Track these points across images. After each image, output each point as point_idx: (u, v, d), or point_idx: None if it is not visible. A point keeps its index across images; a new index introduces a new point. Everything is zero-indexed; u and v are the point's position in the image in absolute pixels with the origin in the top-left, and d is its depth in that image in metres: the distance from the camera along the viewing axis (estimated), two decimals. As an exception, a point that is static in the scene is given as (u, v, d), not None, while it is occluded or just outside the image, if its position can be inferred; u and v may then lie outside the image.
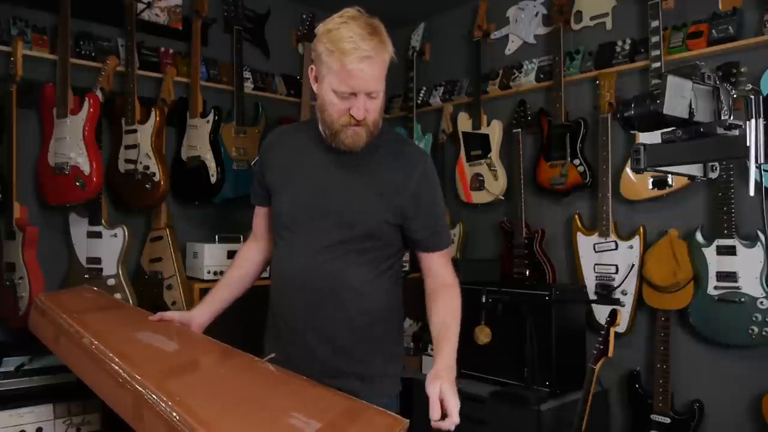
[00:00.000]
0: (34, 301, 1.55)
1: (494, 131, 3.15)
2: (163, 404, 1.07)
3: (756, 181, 0.87)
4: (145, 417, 1.10)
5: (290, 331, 1.48)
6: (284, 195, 1.49)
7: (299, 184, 1.47)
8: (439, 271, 1.50)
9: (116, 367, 1.20)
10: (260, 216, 1.65)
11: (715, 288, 2.33)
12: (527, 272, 2.95)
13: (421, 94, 3.61)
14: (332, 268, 1.42)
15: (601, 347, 2.17)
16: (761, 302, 2.23)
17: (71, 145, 2.44)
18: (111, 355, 1.23)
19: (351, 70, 1.28)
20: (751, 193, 0.90)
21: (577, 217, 2.83)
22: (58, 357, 1.42)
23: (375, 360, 1.48)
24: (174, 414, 1.04)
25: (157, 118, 2.64)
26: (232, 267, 1.70)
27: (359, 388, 1.41)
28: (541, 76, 3.01)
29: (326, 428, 1.14)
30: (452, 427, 1.20)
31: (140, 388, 1.13)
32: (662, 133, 0.99)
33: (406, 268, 2.68)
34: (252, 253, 1.69)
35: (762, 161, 0.85)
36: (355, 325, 1.44)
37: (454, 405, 1.20)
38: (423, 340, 3.01)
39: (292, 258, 1.47)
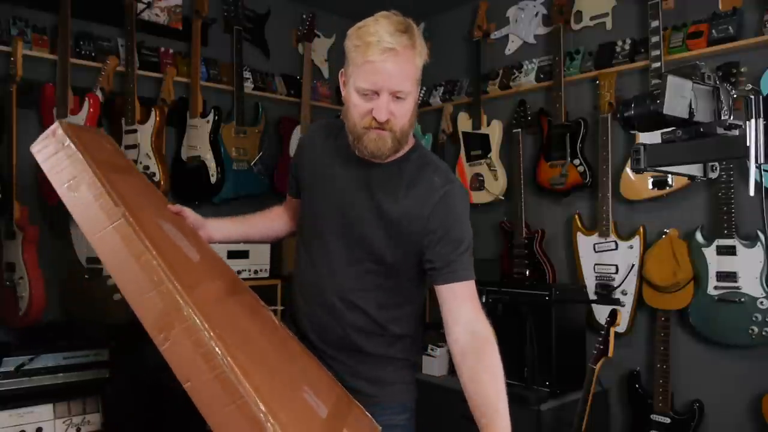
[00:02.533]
0: (51, 128, 1.21)
1: (494, 131, 3.15)
2: (204, 331, 0.93)
3: (756, 181, 0.87)
4: (174, 335, 0.95)
5: (302, 330, 1.47)
6: (307, 199, 1.47)
7: (321, 192, 1.42)
8: (463, 311, 1.31)
9: (154, 262, 1.00)
10: (290, 206, 1.64)
11: (715, 288, 2.33)
12: (527, 272, 2.95)
13: (421, 94, 3.61)
14: (343, 286, 1.38)
15: (601, 347, 2.17)
16: (761, 302, 2.23)
17: (71, 145, 2.43)
18: (147, 243, 1.02)
19: (373, 62, 1.20)
20: (751, 193, 0.90)
21: (577, 217, 2.83)
22: (67, 205, 1.16)
23: (386, 369, 1.44)
24: (216, 347, 0.92)
25: (157, 118, 2.64)
26: (260, 214, 1.66)
27: (370, 390, 1.39)
28: (541, 76, 3.01)
29: (330, 417, 1.10)
30: None
31: (179, 300, 0.97)
32: (662, 133, 0.99)
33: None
34: (280, 221, 1.66)
35: (762, 161, 0.85)
36: (361, 343, 1.40)
37: None
38: (423, 341, 3.00)
39: (308, 265, 1.45)
